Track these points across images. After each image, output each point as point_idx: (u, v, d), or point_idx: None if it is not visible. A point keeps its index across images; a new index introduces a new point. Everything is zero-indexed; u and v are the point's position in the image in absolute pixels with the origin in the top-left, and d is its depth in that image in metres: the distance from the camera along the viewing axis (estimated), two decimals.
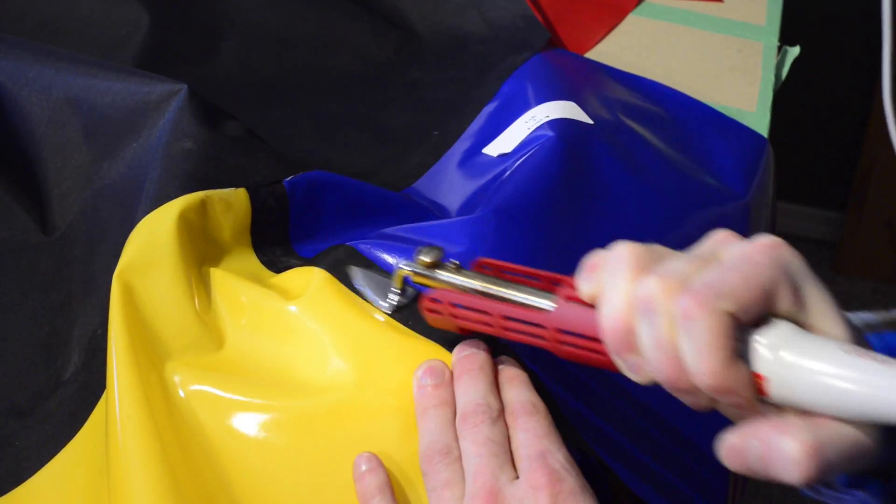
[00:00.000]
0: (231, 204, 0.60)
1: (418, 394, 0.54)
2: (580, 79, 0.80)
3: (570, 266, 0.62)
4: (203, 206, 0.59)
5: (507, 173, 0.68)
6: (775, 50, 0.94)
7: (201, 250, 0.59)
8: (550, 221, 0.64)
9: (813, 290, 0.43)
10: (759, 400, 0.43)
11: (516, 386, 0.54)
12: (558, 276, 0.50)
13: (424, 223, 0.63)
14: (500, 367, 0.55)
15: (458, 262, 0.54)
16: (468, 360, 0.54)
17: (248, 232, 0.62)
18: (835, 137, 2.03)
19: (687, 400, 0.44)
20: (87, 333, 0.61)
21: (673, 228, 0.71)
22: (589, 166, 0.70)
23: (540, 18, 0.88)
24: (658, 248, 0.46)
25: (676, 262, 0.44)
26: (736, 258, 0.43)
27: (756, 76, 0.91)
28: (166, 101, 0.65)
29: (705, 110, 0.84)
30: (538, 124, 0.72)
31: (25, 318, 0.64)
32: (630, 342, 0.44)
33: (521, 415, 0.53)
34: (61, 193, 0.68)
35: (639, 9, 0.98)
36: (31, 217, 0.69)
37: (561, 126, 0.71)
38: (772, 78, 0.91)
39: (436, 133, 0.79)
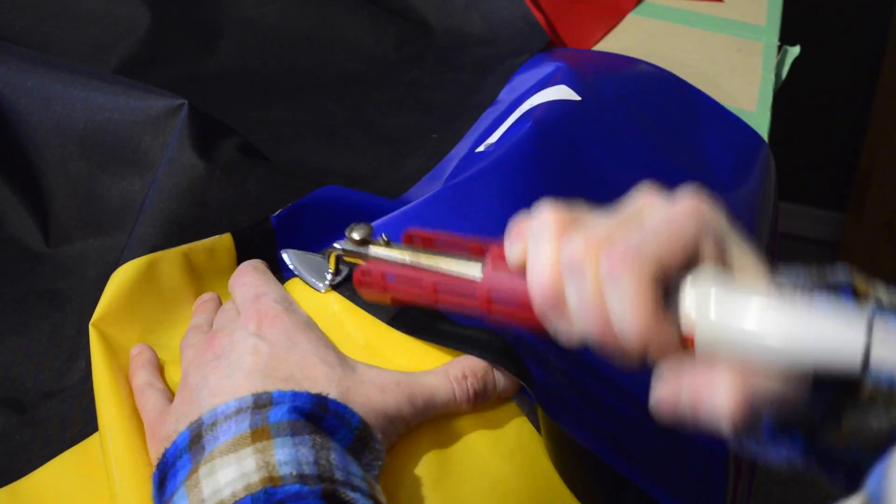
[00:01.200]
0: (215, 251, 0.61)
1: None
2: (575, 63, 0.80)
3: None
4: (186, 258, 0.60)
5: (482, 159, 0.68)
6: (775, 50, 0.94)
7: (176, 302, 0.60)
8: (520, 193, 0.64)
9: (736, 247, 0.45)
10: (686, 353, 0.43)
11: (246, 262, 0.59)
12: (487, 243, 0.51)
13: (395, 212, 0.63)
14: None
15: (387, 237, 0.55)
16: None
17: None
18: (835, 137, 2.03)
19: (617, 360, 0.45)
20: None
21: None
22: (566, 144, 0.70)
23: (540, 18, 0.88)
24: (582, 210, 0.47)
25: (601, 224, 0.45)
26: (660, 219, 0.44)
27: (756, 76, 0.91)
28: (166, 118, 0.65)
29: (705, 99, 0.84)
30: (523, 112, 0.73)
31: (33, 320, 0.64)
32: (559, 305, 0.45)
33: (239, 274, 0.58)
34: (61, 202, 0.68)
35: (639, 9, 0.98)
36: (34, 221, 0.69)
37: (542, 109, 0.71)
38: (772, 78, 0.91)
39: (434, 136, 0.79)
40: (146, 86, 0.68)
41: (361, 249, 0.55)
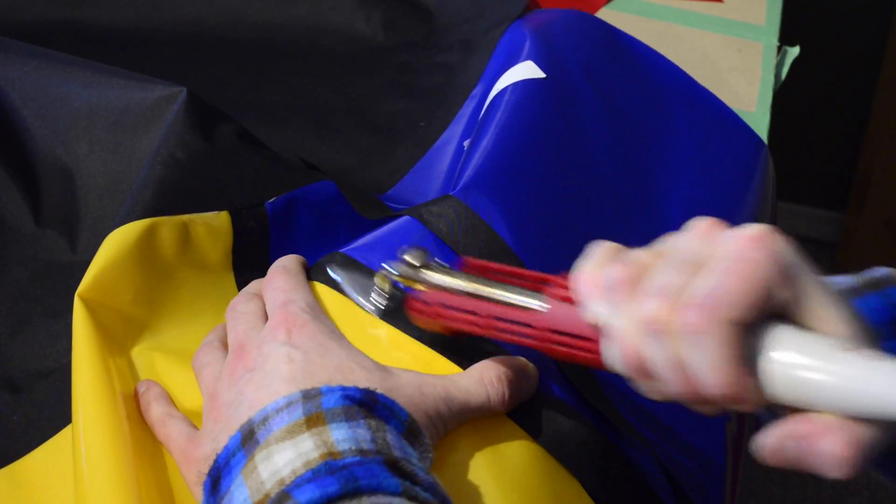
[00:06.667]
0: (214, 227, 0.60)
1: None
2: (543, 29, 0.78)
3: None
4: (185, 228, 0.59)
5: (460, 162, 0.68)
6: (775, 50, 0.94)
7: (171, 272, 0.59)
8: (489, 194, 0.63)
9: (808, 281, 0.42)
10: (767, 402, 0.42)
11: (280, 259, 0.58)
12: (546, 275, 0.50)
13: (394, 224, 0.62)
14: None
15: (445, 264, 0.54)
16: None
17: (231, 254, 0.61)
18: (835, 137, 2.03)
19: (701, 409, 0.44)
20: None
21: (608, 188, 0.70)
22: (529, 122, 0.69)
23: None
24: (639, 256, 0.45)
25: (668, 273, 0.43)
26: (729, 259, 0.42)
27: (756, 76, 0.91)
28: (165, 105, 0.65)
29: (706, 96, 0.82)
30: (493, 97, 0.72)
31: (24, 302, 0.64)
32: (644, 367, 0.44)
33: (271, 277, 0.57)
34: (53, 182, 0.68)
35: (639, 9, 0.98)
36: (26, 203, 0.68)
37: (508, 102, 0.70)
38: (772, 78, 0.91)
39: (422, 124, 0.79)
40: (145, 76, 0.67)
41: (416, 274, 0.53)
